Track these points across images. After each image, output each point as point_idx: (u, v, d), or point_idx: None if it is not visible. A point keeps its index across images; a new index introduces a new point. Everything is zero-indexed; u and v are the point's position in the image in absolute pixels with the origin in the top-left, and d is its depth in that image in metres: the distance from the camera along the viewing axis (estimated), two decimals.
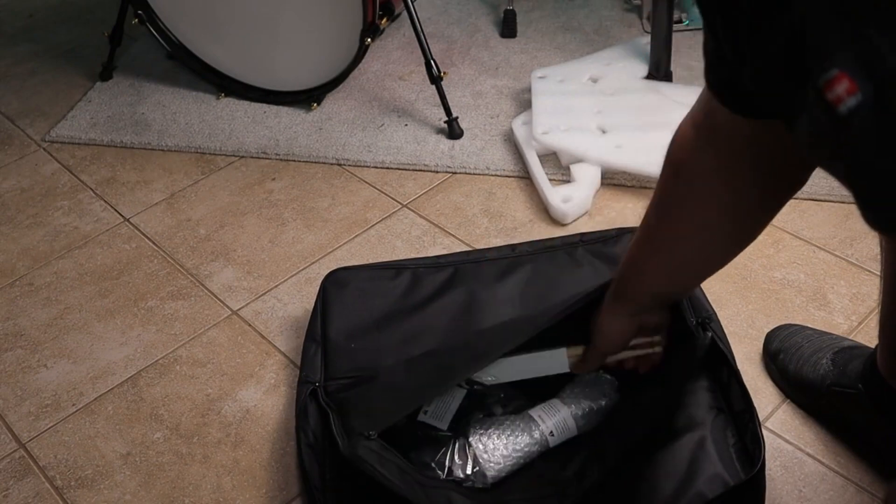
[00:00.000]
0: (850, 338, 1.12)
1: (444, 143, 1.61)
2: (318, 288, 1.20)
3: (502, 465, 0.95)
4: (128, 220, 1.52)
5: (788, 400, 1.11)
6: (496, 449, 0.96)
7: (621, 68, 1.65)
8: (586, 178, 1.45)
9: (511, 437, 0.97)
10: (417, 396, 0.99)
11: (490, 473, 0.95)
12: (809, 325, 1.15)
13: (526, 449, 0.97)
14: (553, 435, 0.98)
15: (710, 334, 0.99)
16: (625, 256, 0.89)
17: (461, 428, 1.00)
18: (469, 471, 0.95)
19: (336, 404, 1.02)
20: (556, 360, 0.99)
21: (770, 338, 1.15)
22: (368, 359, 1.08)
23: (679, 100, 1.56)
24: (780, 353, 1.12)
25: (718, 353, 1.02)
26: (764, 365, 1.15)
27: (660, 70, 1.62)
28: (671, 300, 0.91)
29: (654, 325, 0.92)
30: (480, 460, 0.95)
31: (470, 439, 0.97)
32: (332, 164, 1.61)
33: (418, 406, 1.00)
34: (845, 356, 1.04)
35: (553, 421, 0.98)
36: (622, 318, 0.91)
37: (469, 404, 1.02)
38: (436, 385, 0.99)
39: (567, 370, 0.99)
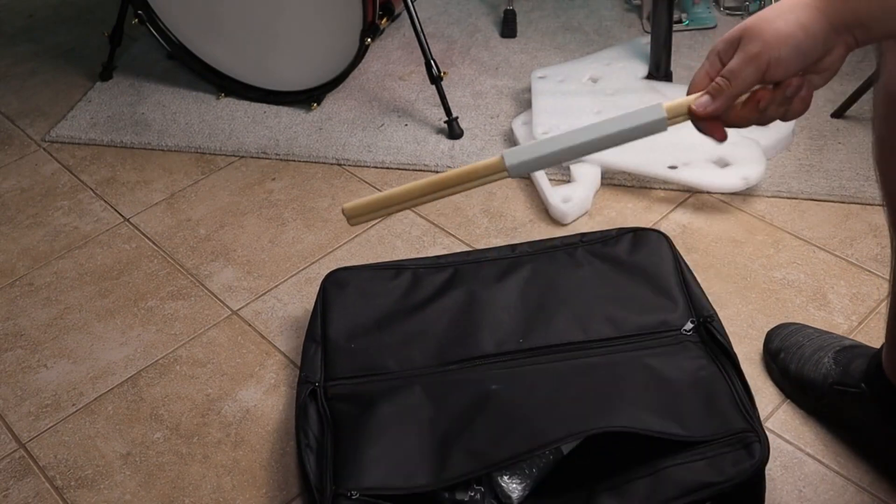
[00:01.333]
0: (851, 338, 1.12)
1: (444, 143, 1.61)
2: (318, 288, 1.20)
3: (525, 484, 0.95)
4: (128, 220, 1.52)
5: (788, 400, 1.12)
6: (515, 468, 0.95)
7: (621, 68, 1.66)
8: (586, 178, 1.45)
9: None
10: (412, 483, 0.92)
11: (515, 495, 0.94)
12: (810, 324, 1.15)
13: (542, 462, 0.96)
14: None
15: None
16: None
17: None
18: (476, 495, 0.94)
19: (332, 416, 1.02)
20: (649, 118, 0.72)
21: (770, 337, 1.15)
22: (368, 359, 1.08)
23: None
24: (780, 352, 1.12)
25: (723, 352, 1.02)
26: (764, 364, 1.15)
27: (660, 70, 1.62)
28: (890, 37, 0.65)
29: (825, 68, 0.68)
30: (502, 484, 0.94)
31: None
32: (332, 164, 1.61)
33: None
34: (848, 355, 1.04)
35: None
36: (822, 28, 0.64)
37: None
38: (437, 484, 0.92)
39: (664, 128, 0.73)
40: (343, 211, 0.81)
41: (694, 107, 0.70)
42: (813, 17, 0.65)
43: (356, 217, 0.81)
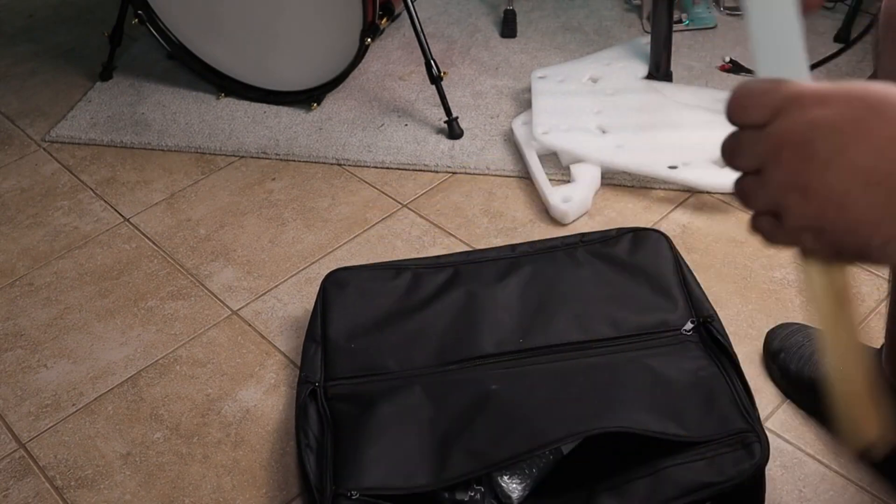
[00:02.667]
0: None
1: (444, 143, 1.61)
2: (318, 288, 1.20)
3: (525, 485, 0.94)
4: (128, 220, 1.52)
5: (789, 400, 1.12)
6: (515, 468, 0.95)
7: (621, 68, 1.65)
8: (586, 178, 1.45)
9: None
10: (412, 482, 0.92)
11: (514, 495, 0.94)
12: (809, 325, 1.15)
13: (542, 462, 0.96)
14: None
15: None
16: None
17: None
18: (477, 495, 0.94)
19: (332, 416, 1.02)
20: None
21: (770, 337, 1.15)
22: (368, 359, 1.08)
23: (679, 100, 1.56)
24: (780, 352, 1.12)
25: (723, 352, 1.02)
26: (764, 364, 1.15)
27: (660, 70, 1.62)
28: None
29: None
30: (502, 484, 0.94)
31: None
32: (332, 164, 1.61)
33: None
34: None
35: None
36: None
37: None
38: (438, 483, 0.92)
39: None
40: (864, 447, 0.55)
41: None
42: None
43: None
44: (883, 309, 1.21)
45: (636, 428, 0.91)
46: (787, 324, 1.16)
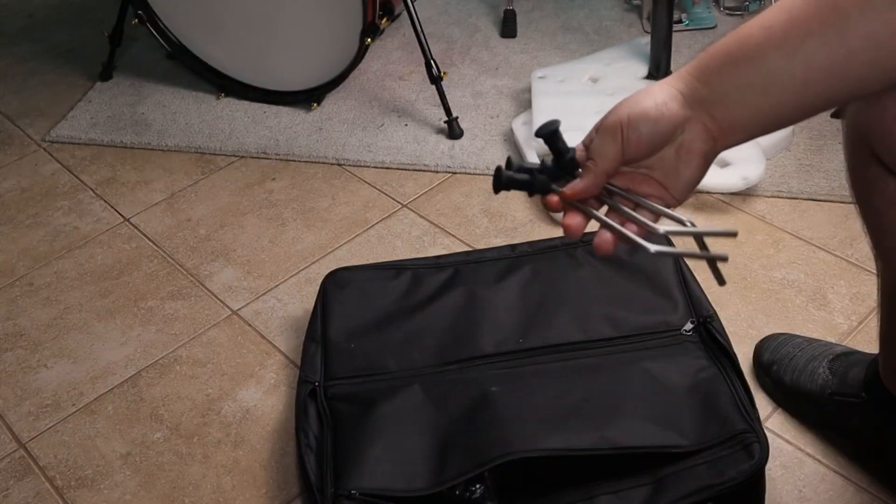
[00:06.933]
0: (851, 338, 1.11)
1: (444, 143, 1.61)
2: (318, 288, 1.20)
3: None
4: (128, 220, 1.53)
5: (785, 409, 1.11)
6: None
7: (621, 68, 1.65)
8: None
9: None
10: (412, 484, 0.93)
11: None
12: (810, 324, 1.15)
13: None
14: None
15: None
16: (736, 36, 0.64)
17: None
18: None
19: (332, 416, 1.02)
20: None
21: (760, 349, 1.14)
22: (368, 359, 1.08)
23: None
24: (773, 364, 1.11)
25: (723, 352, 1.02)
26: (756, 378, 1.14)
27: (660, 70, 1.62)
28: (752, 129, 0.68)
29: (686, 150, 0.69)
30: (484, 475, 0.94)
31: None
32: (332, 164, 1.61)
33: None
34: (843, 364, 1.03)
35: None
36: (675, 99, 0.66)
37: None
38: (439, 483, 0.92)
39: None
40: None
41: (565, 190, 0.72)
42: (668, 93, 0.67)
43: None
44: None
45: (637, 445, 0.91)
46: (775, 335, 1.14)
